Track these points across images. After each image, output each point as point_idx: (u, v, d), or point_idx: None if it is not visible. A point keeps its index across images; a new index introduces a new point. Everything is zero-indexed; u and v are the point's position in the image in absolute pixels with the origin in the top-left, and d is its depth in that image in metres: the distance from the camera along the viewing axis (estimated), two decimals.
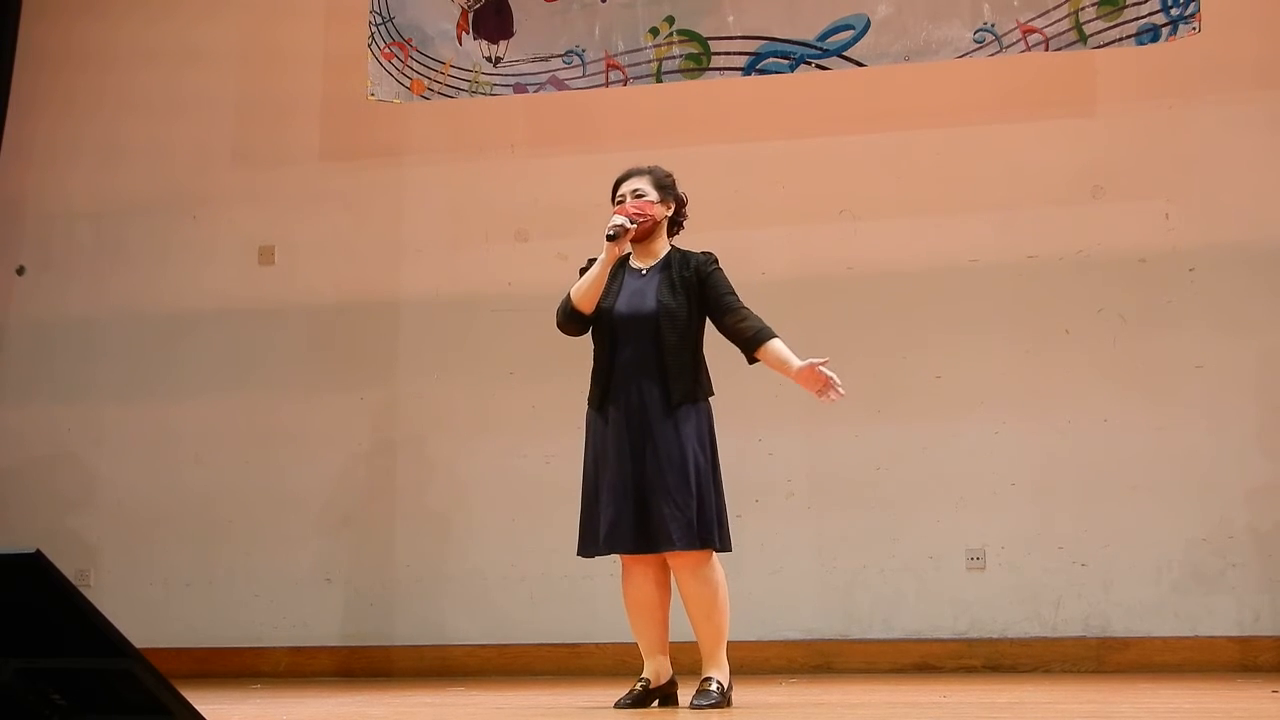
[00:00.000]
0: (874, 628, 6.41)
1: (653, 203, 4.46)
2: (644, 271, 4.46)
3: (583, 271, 4.47)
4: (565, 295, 4.46)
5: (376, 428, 7.03)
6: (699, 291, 4.38)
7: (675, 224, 4.57)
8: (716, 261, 4.45)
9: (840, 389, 4.23)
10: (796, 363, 4.27)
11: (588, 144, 6.92)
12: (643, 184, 4.49)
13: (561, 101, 6.74)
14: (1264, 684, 5.08)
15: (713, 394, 4.41)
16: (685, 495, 4.23)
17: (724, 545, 4.34)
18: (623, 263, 4.47)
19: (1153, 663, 6.09)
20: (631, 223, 4.39)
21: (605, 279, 4.40)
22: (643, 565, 4.35)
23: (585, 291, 4.41)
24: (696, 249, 4.52)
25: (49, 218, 7.50)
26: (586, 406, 4.45)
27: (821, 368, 4.24)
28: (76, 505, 7.22)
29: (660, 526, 4.23)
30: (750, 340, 4.32)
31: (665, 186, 4.51)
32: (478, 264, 7.03)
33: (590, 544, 4.37)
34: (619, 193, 4.52)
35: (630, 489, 4.26)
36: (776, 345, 4.31)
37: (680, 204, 4.55)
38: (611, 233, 4.35)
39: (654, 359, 4.32)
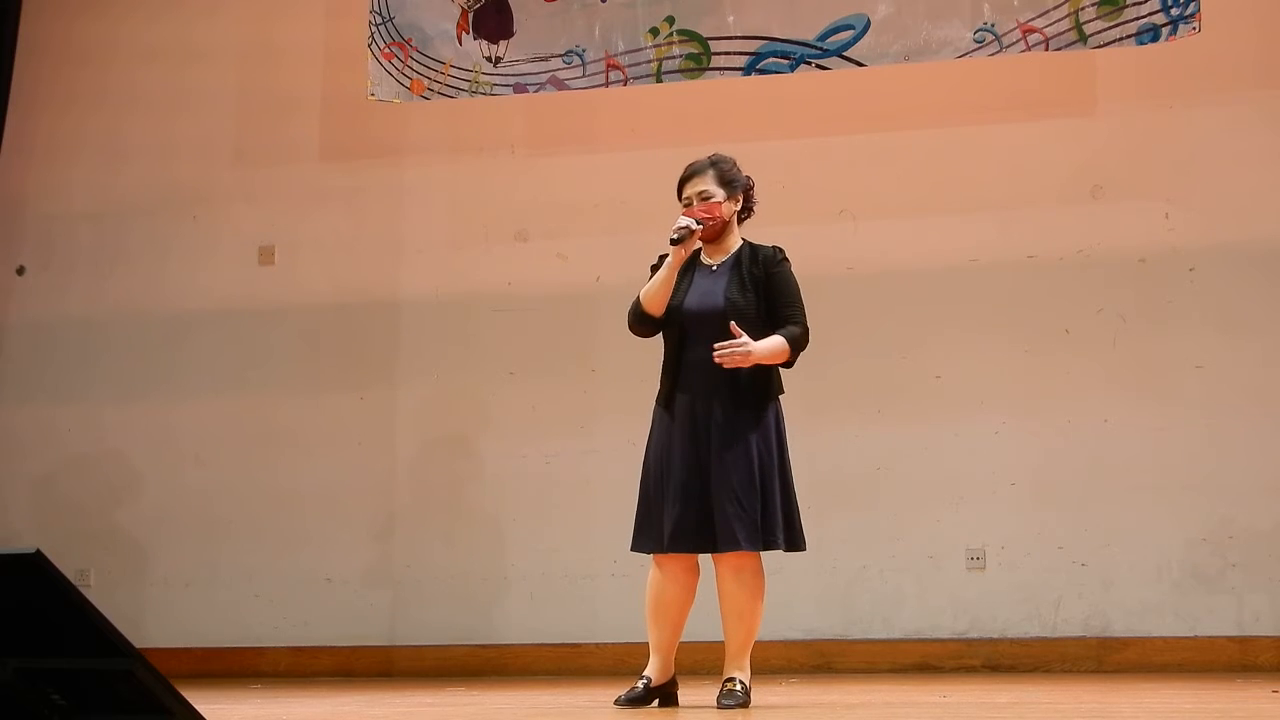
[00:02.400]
0: (874, 628, 6.41)
1: (719, 202, 4.40)
2: (714, 268, 4.43)
3: (654, 270, 4.43)
4: (635, 297, 4.41)
5: (376, 428, 7.02)
6: (766, 288, 4.36)
7: (745, 210, 4.52)
8: (785, 258, 4.40)
9: (722, 354, 4.20)
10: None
11: (588, 144, 6.93)
12: (707, 183, 4.41)
13: (561, 101, 6.74)
14: (1264, 684, 5.08)
15: (783, 392, 4.39)
16: (750, 495, 4.22)
17: (792, 545, 4.33)
18: (694, 258, 4.44)
19: (1153, 663, 6.09)
20: (698, 223, 4.34)
21: (673, 282, 4.36)
22: (675, 564, 4.33)
23: (654, 294, 4.37)
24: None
25: (49, 218, 7.49)
26: (654, 403, 4.41)
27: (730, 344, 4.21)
28: (76, 505, 7.22)
29: (724, 527, 4.21)
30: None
31: (730, 180, 4.43)
32: (478, 264, 7.03)
33: (650, 540, 4.33)
34: (684, 195, 4.44)
35: (697, 488, 4.24)
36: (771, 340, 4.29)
37: (748, 191, 4.49)
38: (676, 236, 4.30)
39: None
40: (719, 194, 4.41)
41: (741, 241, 4.48)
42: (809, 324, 4.38)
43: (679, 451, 4.29)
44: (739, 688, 4.28)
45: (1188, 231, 6.37)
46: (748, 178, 4.50)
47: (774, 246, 4.44)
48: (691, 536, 4.25)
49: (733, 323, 4.24)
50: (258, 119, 7.32)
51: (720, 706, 4.25)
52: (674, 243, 4.31)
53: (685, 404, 4.32)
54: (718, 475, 4.23)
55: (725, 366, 4.22)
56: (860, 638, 6.41)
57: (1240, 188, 6.35)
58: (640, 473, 4.41)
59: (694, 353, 4.32)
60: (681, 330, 4.36)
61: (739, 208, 4.47)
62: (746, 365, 4.23)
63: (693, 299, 4.37)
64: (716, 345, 4.22)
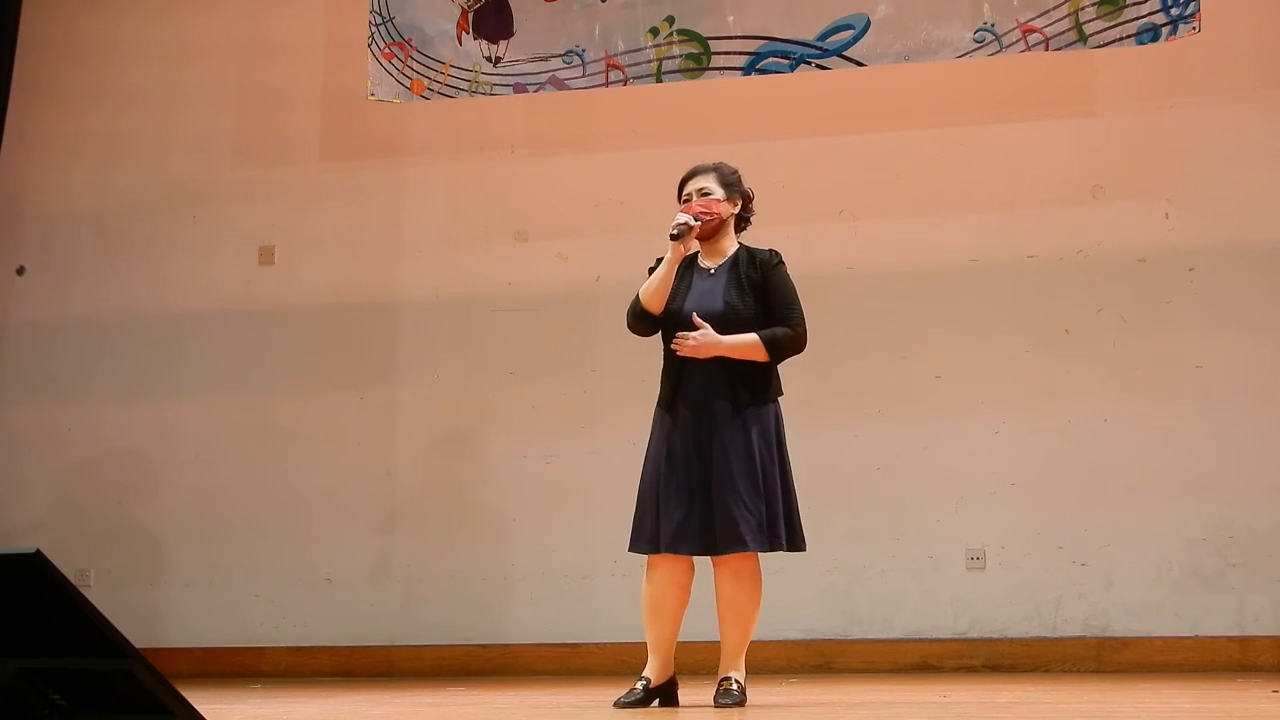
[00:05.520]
0: (874, 628, 6.41)
1: (718, 201, 4.44)
2: (712, 270, 4.45)
3: (651, 271, 4.45)
4: (634, 296, 4.44)
5: (376, 428, 7.03)
6: (763, 290, 4.37)
7: (742, 220, 4.55)
8: (780, 260, 4.43)
9: (689, 341, 4.27)
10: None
11: (588, 144, 6.93)
12: (708, 182, 4.46)
13: (561, 101, 6.74)
14: (1264, 684, 5.08)
15: (782, 394, 4.41)
16: (754, 497, 4.23)
17: (793, 545, 4.36)
18: (691, 261, 4.45)
19: (1153, 663, 6.10)
20: (696, 220, 4.37)
21: (672, 278, 4.39)
22: (670, 565, 4.33)
23: (653, 292, 4.39)
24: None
25: (49, 217, 7.49)
26: (655, 405, 4.42)
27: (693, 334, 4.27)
28: (77, 505, 7.22)
29: (729, 528, 4.22)
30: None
31: (731, 184, 4.48)
32: (478, 264, 7.03)
33: (647, 542, 4.33)
34: (684, 191, 4.48)
35: (697, 490, 4.25)
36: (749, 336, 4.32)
37: (747, 199, 4.53)
38: (675, 231, 4.33)
39: (722, 360, 4.30)
40: (719, 193, 4.45)
41: (738, 245, 4.50)
42: (806, 327, 4.41)
43: (681, 454, 4.30)
44: (735, 687, 4.31)
45: (1188, 231, 6.37)
46: (749, 189, 4.53)
47: (770, 250, 4.46)
48: (693, 538, 4.26)
49: (694, 314, 4.28)
50: (258, 117, 7.32)
51: (717, 705, 4.27)
52: (673, 238, 4.34)
53: (687, 406, 4.33)
54: (721, 477, 4.24)
55: (679, 354, 4.27)
56: (860, 638, 6.41)
57: (1240, 188, 6.35)
58: (639, 474, 4.42)
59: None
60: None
61: (736, 211, 4.50)
62: (701, 356, 4.27)
63: (692, 302, 4.38)
64: (677, 335, 4.28)
